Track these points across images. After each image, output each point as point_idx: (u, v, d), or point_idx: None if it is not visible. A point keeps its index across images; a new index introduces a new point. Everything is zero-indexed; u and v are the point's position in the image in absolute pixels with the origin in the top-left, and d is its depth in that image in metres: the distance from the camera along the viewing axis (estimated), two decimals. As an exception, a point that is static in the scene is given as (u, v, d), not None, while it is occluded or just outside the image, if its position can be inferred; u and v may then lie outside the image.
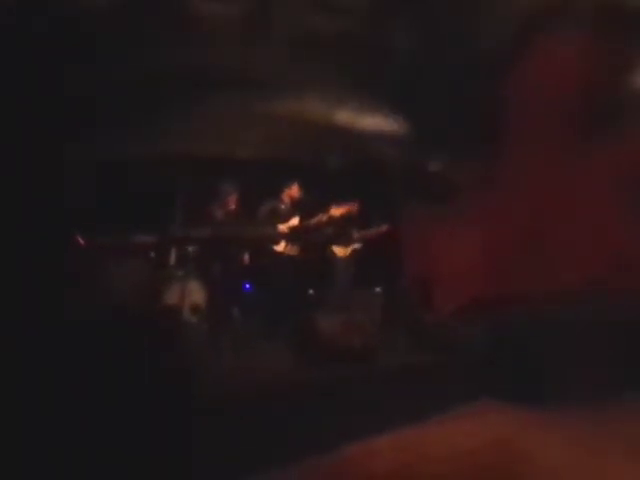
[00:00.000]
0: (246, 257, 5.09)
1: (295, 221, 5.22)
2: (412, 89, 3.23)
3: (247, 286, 5.07)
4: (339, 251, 5.63)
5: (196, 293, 4.23)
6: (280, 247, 5.24)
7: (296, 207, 5.33)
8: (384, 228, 5.59)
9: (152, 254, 4.03)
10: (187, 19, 2.40)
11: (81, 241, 2.64)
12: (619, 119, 2.93)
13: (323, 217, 5.37)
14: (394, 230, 5.49)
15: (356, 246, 5.68)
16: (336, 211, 5.45)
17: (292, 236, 5.24)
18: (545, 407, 2.96)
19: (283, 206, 5.29)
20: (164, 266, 4.12)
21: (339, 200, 5.44)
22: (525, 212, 3.32)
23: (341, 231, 5.59)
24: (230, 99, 3.21)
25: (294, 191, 5.33)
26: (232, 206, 4.83)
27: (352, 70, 3.11)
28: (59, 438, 2.08)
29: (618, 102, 2.84)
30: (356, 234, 5.66)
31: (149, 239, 3.86)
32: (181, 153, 3.75)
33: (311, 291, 5.58)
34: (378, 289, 5.78)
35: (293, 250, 5.30)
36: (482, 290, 3.64)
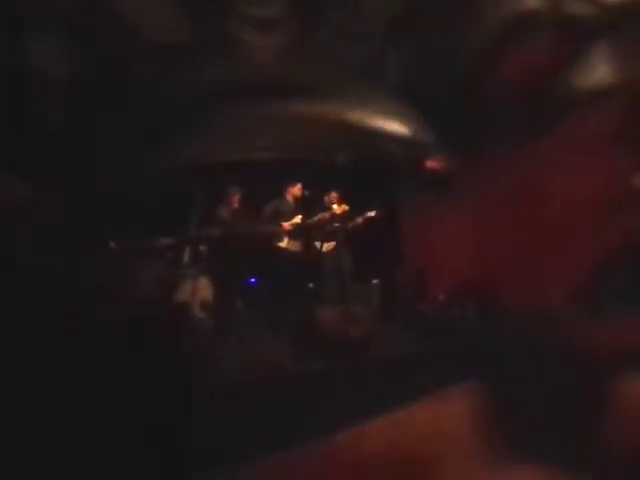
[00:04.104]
0: (251, 254, 5.35)
1: (298, 219, 5.48)
2: (415, 95, 3.50)
3: (252, 280, 5.34)
4: (330, 245, 5.84)
5: (205, 289, 4.51)
6: (283, 243, 5.51)
7: (299, 205, 5.59)
8: (372, 214, 5.72)
9: (169, 255, 4.31)
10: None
11: (112, 245, 2.91)
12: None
13: (325, 215, 5.64)
14: (391, 222, 5.68)
15: (350, 239, 5.85)
16: (338, 209, 5.71)
17: (295, 233, 5.52)
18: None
19: (286, 205, 5.55)
20: (179, 265, 4.41)
21: (344, 196, 5.68)
22: (508, 205, 3.50)
23: (342, 227, 5.83)
24: (246, 104, 3.44)
25: (297, 190, 5.59)
26: (236, 206, 5.12)
27: (362, 76, 3.40)
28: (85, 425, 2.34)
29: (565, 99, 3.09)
30: (350, 225, 5.83)
31: (168, 241, 4.16)
32: (198, 160, 3.98)
33: (311, 285, 5.82)
34: (375, 281, 6.04)
35: (295, 246, 5.58)
36: (474, 278, 3.85)
